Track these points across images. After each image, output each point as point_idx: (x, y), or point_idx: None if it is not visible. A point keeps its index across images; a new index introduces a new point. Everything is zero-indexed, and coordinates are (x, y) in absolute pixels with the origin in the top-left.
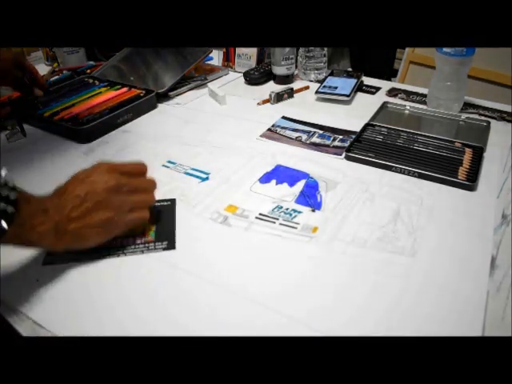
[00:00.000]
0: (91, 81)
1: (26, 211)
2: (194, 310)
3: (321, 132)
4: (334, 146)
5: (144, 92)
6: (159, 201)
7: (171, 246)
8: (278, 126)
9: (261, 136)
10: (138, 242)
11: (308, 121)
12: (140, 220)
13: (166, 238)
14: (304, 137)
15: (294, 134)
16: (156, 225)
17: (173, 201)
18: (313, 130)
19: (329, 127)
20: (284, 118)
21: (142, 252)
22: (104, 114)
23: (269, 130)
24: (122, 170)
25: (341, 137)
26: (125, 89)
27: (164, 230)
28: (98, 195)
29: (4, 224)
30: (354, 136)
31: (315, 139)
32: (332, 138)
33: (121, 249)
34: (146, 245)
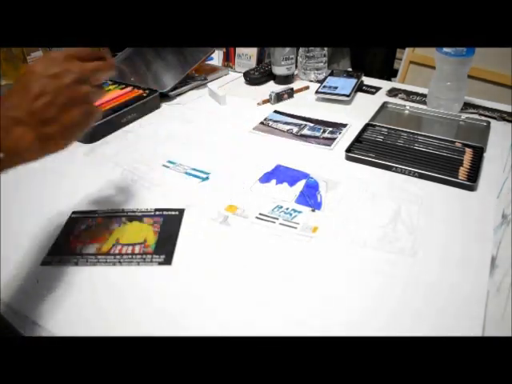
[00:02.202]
0: None
1: None
2: (193, 310)
3: (311, 125)
4: (324, 138)
5: (147, 92)
6: (167, 209)
7: (167, 261)
8: (271, 120)
9: (253, 129)
10: (137, 252)
11: (298, 114)
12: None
13: (164, 252)
14: (295, 129)
15: (286, 127)
16: (158, 235)
17: (181, 211)
18: (304, 122)
19: (318, 120)
20: (276, 112)
21: (138, 264)
22: (108, 114)
23: (261, 123)
24: (79, 55)
25: (330, 129)
26: (129, 88)
27: (165, 242)
28: (68, 89)
29: None
30: (343, 128)
31: (306, 131)
32: (322, 130)
33: (118, 257)
34: (143, 256)
